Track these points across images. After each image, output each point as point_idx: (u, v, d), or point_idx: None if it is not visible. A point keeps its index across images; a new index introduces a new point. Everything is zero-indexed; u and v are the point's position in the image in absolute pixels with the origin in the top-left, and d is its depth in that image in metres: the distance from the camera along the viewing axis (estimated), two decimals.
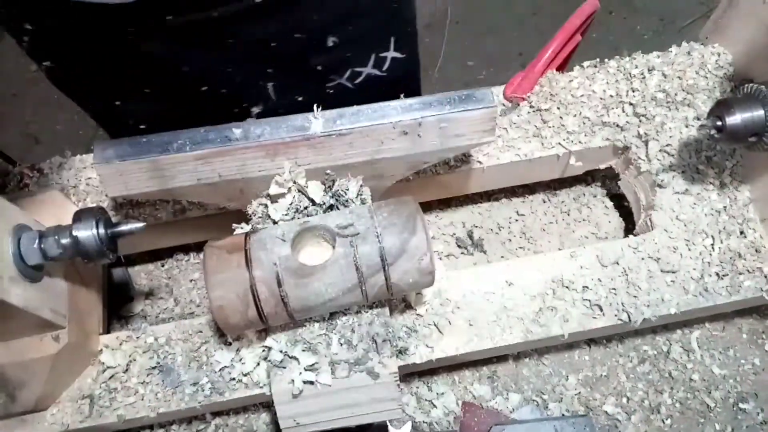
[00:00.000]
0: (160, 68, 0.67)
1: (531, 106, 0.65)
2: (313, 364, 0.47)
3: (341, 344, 0.48)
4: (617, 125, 0.62)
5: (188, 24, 0.60)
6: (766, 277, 0.56)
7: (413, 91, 0.83)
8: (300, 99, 0.72)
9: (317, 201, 0.50)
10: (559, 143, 0.62)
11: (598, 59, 0.67)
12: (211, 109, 0.71)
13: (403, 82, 0.78)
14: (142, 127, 0.70)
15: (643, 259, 0.57)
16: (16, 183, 0.64)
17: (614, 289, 0.56)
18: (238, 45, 0.64)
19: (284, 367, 0.48)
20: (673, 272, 0.56)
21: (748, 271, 0.56)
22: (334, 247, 0.46)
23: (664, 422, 0.60)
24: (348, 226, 0.45)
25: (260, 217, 0.51)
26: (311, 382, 0.47)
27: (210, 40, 0.63)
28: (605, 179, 0.74)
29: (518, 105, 0.65)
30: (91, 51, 0.65)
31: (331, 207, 0.50)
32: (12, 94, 1.87)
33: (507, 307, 0.55)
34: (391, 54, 0.72)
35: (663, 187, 0.60)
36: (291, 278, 0.44)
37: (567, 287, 0.56)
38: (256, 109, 0.73)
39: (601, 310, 0.55)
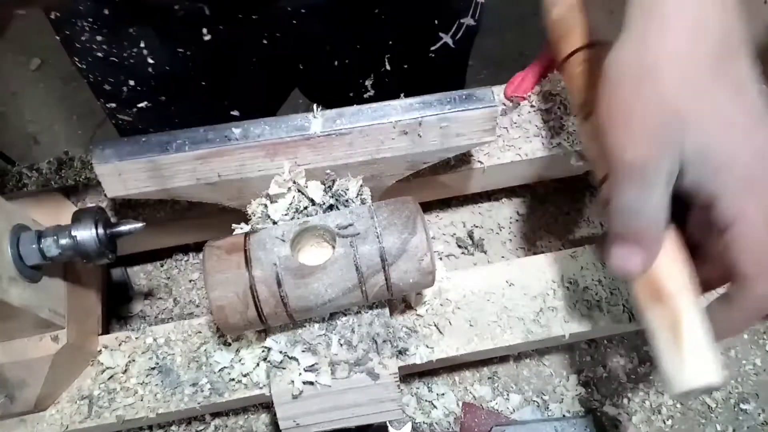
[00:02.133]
0: (313, 49, 0.69)
1: (532, 106, 0.65)
2: (313, 365, 0.47)
3: (341, 345, 0.48)
4: None
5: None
6: None
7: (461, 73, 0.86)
8: (406, 67, 0.74)
9: (317, 201, 0.50)
10: (560, 143, 0.62)
11: None
12: (329, 87, 0.74)
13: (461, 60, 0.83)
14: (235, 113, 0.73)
15: None
16: (15, 183, 0.64)
17: (615, 289, 0.55)
18: (382, 11, 0.66)
19: (284, 368, 0.48)
20: None
21: None
22: (334, 247, 0.45)
23: (665, 423, 0.60)
24: (348, 226, 0.45)
25: (260, 217, 0.51)
26: (311, 383, 0.47)
27: (362, 8, 0.65)
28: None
29: (519, 105, 0.65)
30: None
31: (331, 207, 0.50)
32: (11, 93, 1.87)
33: (507, 308, 0.55)
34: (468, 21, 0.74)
35: None
36: (291, 278, 0.44)
37: (568, 287, 0.56)
38: (369, 82, 0.75)
39: (602, 310, 0.55)
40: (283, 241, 0.45)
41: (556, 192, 0.74)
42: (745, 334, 0.65)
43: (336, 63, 0.72)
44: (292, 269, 0.44)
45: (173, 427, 0.60)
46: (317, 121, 0.50)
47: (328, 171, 0.51)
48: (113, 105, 0.71)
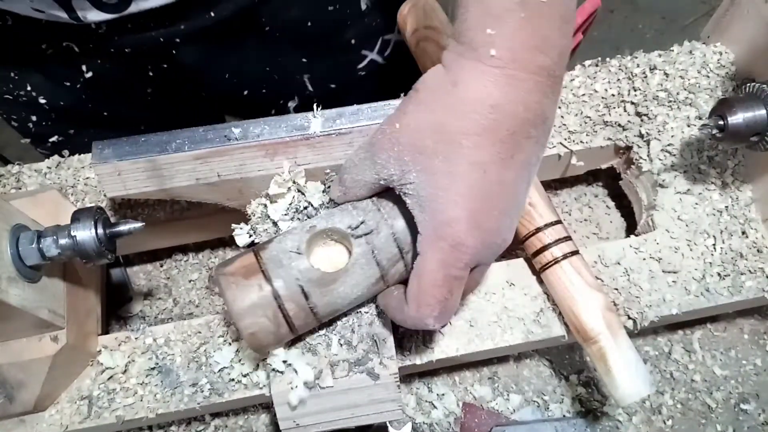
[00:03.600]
0: (194, 80, 0.65)
1: None
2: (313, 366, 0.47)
3: (341, 345, 0.48)
4: (619, 124, 0.62)
5: (226, 18, 0.60)
6: (767, 277, 0.56)
7: None
8: (334, 86, 0.71)
9: (316, 201, 0.50)
10: (561, 143, 0.62)
11: (599, 58, 0.66)
12: (249, 113, 0.70)
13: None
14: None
15: (644, 259, 0.57)
16: (14, 183, 0.64)
17: (616, 289, 0.55)
18: (275, 31, 0.63)
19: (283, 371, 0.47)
20: (675, 272, 0.56)
21: (749, 271, 0.56)
22: (344, 245, 0.46)
23: (665, 423, 0.60)
24: (359, 225, 0.45)
25: (260, 218, 0.50)
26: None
27: (247, 31, 0.62)
28: (607, 179, 0.74)
29: None
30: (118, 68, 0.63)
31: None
32: None
33: (508, 308, 0.55)
34: None
35: (665, 186, 0.60)
36: (316, 289, 0.43)
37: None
38: (292, 104, 0.73)
39: None
40: (299, 254, 0.44)
41: (557, 192, 0.73)
42: (746, 335, 0.65)
43: (245, 90, 0.69)
44: (316, 280, 0.43)
45: (173, 428, 0.60)
46: (317, 120, 0.49)
47: (328, 170, 0.51)
48: (28, 140, 0.69)
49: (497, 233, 0.41)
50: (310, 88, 0.71)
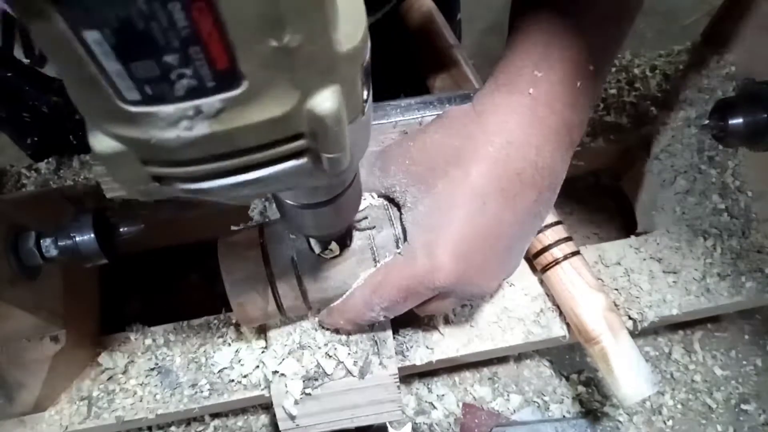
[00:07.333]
0: None
1: None
2: (310, 371, 0.47)
3: (341, 345, 0.48)
4: (619, 124, 0.62)
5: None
6: (767, 277, 0.56)
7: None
8: None
9: None
10: None
11: None
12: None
13: None
14: None
15: (644, 259, 0.57)
16: (13, 183, 0.64)
17: (616, 289, 0.55)
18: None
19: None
20: (675, 273, 0.56)
21: (749, 271, 0.56)
22: None
23: (665, 423, 0.60)
24: (362, 220, 0.44)
25: (259, 219, 0.50)
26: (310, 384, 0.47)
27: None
28: (607, 179, 0.74)
29: None
30: None
31: None
32: None
33: (507, 308, 0.55)
34: None
35: (665, 187, 0.60)
36: (310, 273, 0.43)
37: None
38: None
39: None
40: (299, 235, 0.44)
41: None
42: (746, 335, 0.65)
43: None
44: (310, 264, 0.43)
45: (173, 428, 0.60)
46: None
47: None
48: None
49: (481, 272, 0.41)
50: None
